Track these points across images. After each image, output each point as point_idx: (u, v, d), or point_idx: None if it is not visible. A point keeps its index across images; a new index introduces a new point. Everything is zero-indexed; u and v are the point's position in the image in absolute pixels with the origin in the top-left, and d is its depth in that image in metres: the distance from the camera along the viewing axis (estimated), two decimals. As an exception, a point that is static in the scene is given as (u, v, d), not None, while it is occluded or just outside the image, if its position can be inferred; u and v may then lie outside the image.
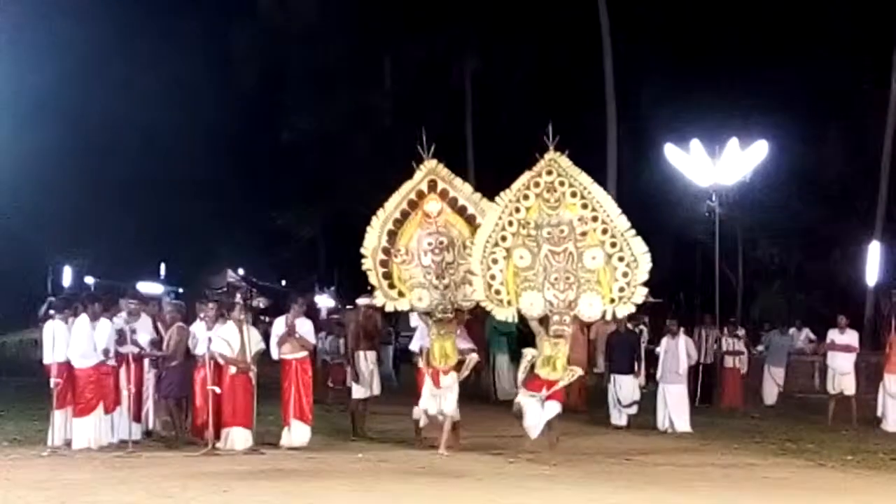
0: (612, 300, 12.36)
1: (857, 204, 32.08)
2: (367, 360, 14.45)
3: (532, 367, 12.62)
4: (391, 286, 13.37)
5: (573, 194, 12.45)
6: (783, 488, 11.27)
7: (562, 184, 12.49)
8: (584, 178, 12.53)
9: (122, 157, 32.56)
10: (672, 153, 24.47)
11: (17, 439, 13.28)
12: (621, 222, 12.37)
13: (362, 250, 13.38)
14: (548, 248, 12.48)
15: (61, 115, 28.79)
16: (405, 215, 13.34)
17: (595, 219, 12.38)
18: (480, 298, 12.75)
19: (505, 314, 12.79)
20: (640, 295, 12.31)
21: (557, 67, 34.67)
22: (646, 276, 12.24)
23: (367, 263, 13.35)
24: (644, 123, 31.47)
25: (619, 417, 16.30)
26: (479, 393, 19.08)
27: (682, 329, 16.67)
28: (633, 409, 16.43)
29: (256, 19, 36.29)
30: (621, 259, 12.27)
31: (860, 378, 18.21)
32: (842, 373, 17.82)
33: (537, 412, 12.58)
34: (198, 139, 34.32)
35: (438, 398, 13.09)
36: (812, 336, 22.69)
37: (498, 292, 12.65)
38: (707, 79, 31.03)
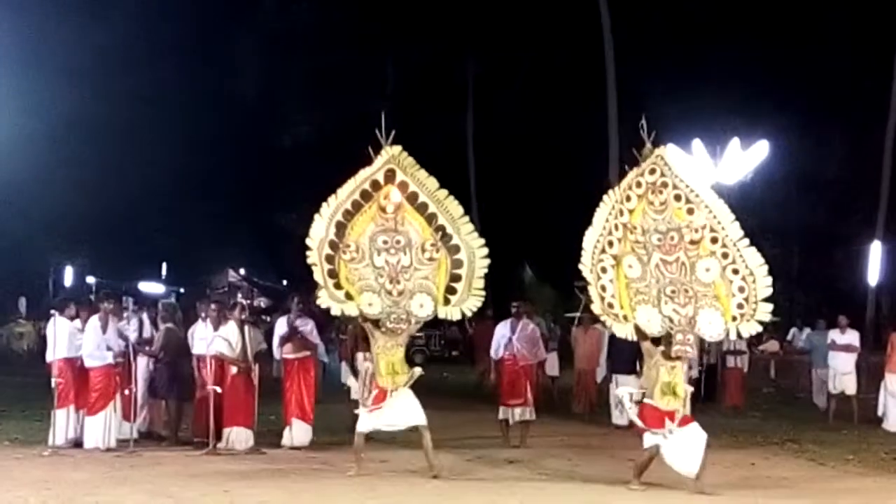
0: (734, 318, 10.68)
1: (859, 203, 32.10)
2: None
3: (640, 401, 11.02)
4: (337, 286, 11.45)
5: (677, 197, 10.74)
6: (784, 488, 11.28)
7: (665, 185, 10.78)
8: (692, 180, 10.87)
9: (124, 159, 32.60)
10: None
11: (19, 438, 13.29)
12: (733, 231, 10.66)
13: (308, 241, 11.49)
14: (659, 256, 10.82)
15: (63, 116, 28.83)
16: (357, 207, 11.47)
17: (704, 226, 10.69)
18: (598, 312, 11.36)
19: (624, 331, 11.15)
20: (764, 312, 10.64)
21: (559, 68, 34.69)
22: (767, 292, 10.56)
23: (311, 257, 11.44)
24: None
25: (620, 417, 16.17)
26: (485, 394, 19.01)
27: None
28: (635, 410, 16.26)
29: (258, 22, 36.32)
30: (735, 272, 10.59)
31: (861, 378, 18.23)
32: (843, 373, 17.84)
33: (676, 447, 10.75)
34: (200, 141, 34.33)
35: (384, 415, 11.36)
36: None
37: (611, 305, 11.05)
38: (708, 78, 31.04)
